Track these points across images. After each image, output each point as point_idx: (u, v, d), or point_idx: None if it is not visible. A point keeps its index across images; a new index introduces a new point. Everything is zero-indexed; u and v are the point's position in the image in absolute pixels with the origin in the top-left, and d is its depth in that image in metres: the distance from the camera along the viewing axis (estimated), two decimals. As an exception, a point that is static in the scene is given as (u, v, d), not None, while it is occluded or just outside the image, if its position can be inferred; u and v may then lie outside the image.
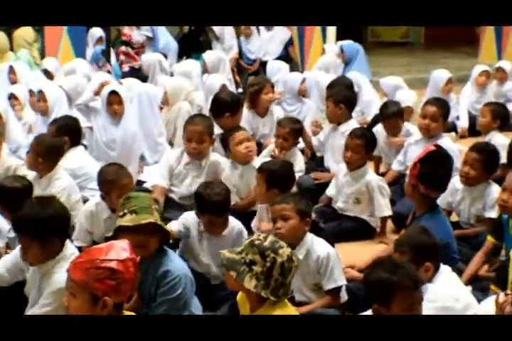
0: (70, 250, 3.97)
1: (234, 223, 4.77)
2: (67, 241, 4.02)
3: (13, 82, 8.44)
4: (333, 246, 4.67)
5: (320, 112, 8.00)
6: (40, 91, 7.25)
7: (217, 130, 6.53)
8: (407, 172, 6.07)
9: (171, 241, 4.23)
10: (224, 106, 6.69)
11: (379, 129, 7.07)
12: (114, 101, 6.88)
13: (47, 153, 5.54)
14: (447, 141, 6.43)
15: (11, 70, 8.56)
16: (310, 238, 4.46)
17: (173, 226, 4.68)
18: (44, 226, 3.87)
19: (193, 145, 5.95)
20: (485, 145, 5.62)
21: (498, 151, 5.57)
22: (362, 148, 5.88)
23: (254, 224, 5.29)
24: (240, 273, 3.30)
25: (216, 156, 6.12)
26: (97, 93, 7.29)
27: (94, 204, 5.17)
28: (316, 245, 4.44)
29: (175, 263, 4.04)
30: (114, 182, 4.97)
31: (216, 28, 11.79)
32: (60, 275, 3.78)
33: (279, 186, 5.02)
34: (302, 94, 8.48)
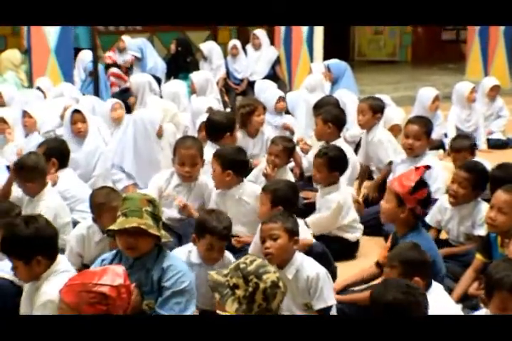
0: (63, 266, 3.97)
1: (229, 256, 4.74)
2: (61, 258, 4.02)
3: (0, 104, 8.42)
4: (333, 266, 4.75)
5: (309, 130, 8.02)
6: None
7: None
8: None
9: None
10: (222, 127, 6.66)
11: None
12: (78, 119, 6.91)
13: (31, 175, 5.52)
14: (432, 159, 6.45)
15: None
16: (300, 257, 4.45)
17: None
18: (25, 247, 3.87)
19: (187, 169, 5.89)
20: (474, 164, 5.61)
21: (487, 170, 5.58)
22: (324, 166, 5.87)
23: (251, 249, 5.24)
24: (223, 296, 3.30)
25: (205, 179, 6.10)
26: (62, 117, 7.31)
27: (86, 227, 5.16)
28: (306, 264, 4.42)
29: (177, 260, 4.14)
30: (105, 204, 4.98)
31: (204, 48, 11.84)
32: (48, 289, 3.81)
33: (283, 205, 5.02)
34: (280, 111, 8.53)
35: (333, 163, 5.90)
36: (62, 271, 3.92)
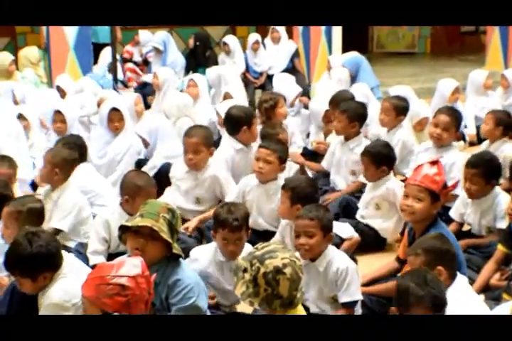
0: (67, 269, 3.96)
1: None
2: (66, 260, 4.00)
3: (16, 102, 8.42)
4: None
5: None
6: (58, 112, 7.22)
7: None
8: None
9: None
10: (239, 121, 6.61)
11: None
12: (115, 117, 6.92)
13: (62, 164, 5.55)
14: (455, 153, 6.44)
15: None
16: (331, 250, 4.46)
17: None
18: (31, 267, 3.85)
19: (189, 156, 5.98)
20: (479, 158, 5.54)
21: (495, 158, 5.56)
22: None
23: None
24: (237, 279, 3.39)
25: (217, 170, 6.12)
26: (99, 104, 7.32)
27: (110, 212, 5.22)
28: (337, 257, 4.44)
29: (186, 272, 4.03)
30: (142, 188, 5.08)
31: (230, 43, 11.84)
32: (52, 292, 3.84)
33: (302, 202, 4.98)
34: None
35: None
36: (69, 271, 3.94)
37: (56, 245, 3.96)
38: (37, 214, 4.78)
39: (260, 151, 5.85)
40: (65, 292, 3.83)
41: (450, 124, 6.37)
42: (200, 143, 5.98)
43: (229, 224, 4.45)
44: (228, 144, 6.58)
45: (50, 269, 3.89)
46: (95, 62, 10.84)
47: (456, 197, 5.73)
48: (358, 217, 5.97)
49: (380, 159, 5.86)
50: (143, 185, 5.10)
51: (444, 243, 4.01)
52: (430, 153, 6.43)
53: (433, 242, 3.99)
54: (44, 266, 3.87)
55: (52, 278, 3.91)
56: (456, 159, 6.25)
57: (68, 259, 4.06)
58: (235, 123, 6.63)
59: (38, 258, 3.83)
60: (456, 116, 6.49)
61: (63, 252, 4.08)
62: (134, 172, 5.44)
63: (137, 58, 11.86)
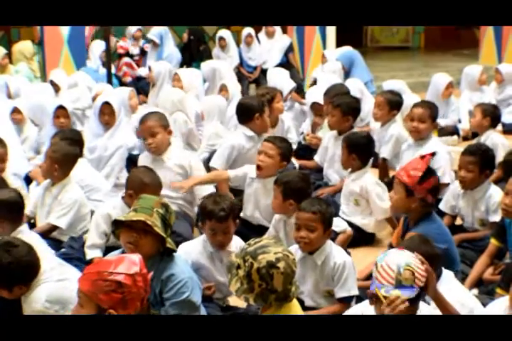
0: (47, 273, 3.95)
1: (239, 242, 4.69)
2: (44, 267, 3.97)
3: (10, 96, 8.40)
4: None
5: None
6: (61, 107, 7.20)
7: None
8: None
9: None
10: (252, 109, 6.59)
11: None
12: (106, 111, 6.89)
13: (63, 159, 5.53)
14: (436, 143, 6.47)
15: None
16: (329, 245, 4.48)
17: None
18: (2, 280, 3.84)
19: (148, 141, 5.99)
20: (476, 147, 5.60)
21: (491, 150, 5.59)
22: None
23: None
24: (231, 276, 3.40)
25: (184, 152, 6.14)
26: (94, 98, 7.31)
27: (111, 207, 5.21)
28: (335, 252, 4.46)
29: (180, 266, 4.04)
30: (148, 186, 5.06)
31: (226, 37, 11.83)
32: (33, 299, 3.84)
33: (295, 197, 4.99)
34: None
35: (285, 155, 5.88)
36: (49, 277, 3.92)
37: (29, 259, 3.90)
38: (7, 207, 4.64)
39: (264, 145, 5.85)
40: (47, 299, 3.84)
41: (425, 116, 6.42)
42: (155, 126, 5.99)
43: (215, 215, 4.49)
44: (239, 132, 6.59)
45: (23, 282, 3.88)
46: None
47: (447, 186, 5.75)
48: (340, 213, 5.97)
49: (352, 146, 5.93)
50: (149, 182, 5.09)
51: (427, 246, 3.91)
52: (412, 149, 6.46)
53: (410, 244, 3.88)
54: (16, 280, 3.85)
55: (31, 286, 3.89)
56: (438, 149, 6.22)
57: (50, 263, 4.04)
58: (248, 111, 6.61)
59: (9, 274, 3.82)
60: (430, 107, 6.54)
61: (46, 255, 4.07)
62: (143, 168, 5.39)
63: (134, 51, 11.81)
